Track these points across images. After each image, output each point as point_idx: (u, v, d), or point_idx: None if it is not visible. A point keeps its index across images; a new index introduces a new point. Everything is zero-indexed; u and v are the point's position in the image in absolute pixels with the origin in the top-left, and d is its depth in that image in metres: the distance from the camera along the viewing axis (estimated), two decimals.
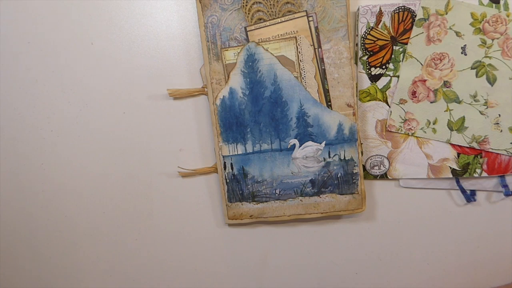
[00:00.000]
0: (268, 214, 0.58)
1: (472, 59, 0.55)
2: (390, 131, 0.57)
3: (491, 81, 0.55)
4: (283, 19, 0.54)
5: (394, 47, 0.55)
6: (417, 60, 0.55)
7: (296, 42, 0.54)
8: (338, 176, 0.57)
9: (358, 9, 0.55)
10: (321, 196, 0.57)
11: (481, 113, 0.56)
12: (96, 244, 0.63)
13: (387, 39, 0.55)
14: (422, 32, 0.55)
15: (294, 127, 0.56)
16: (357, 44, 0.56)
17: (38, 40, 0.58)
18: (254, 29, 0.54)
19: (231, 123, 0.56)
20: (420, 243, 0.62)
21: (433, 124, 0.57)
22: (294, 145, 0.56)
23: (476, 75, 0.55)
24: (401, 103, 0.57)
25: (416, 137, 0.57)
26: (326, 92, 0.55)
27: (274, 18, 0.54)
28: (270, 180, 0.57)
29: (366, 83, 0.57)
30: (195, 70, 0.58)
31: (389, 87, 0.57)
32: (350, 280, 0.63)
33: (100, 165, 0.60)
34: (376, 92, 0.57)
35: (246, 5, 0.54)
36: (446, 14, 0.54)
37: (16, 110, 0.60)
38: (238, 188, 0.58)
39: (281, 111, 0.55)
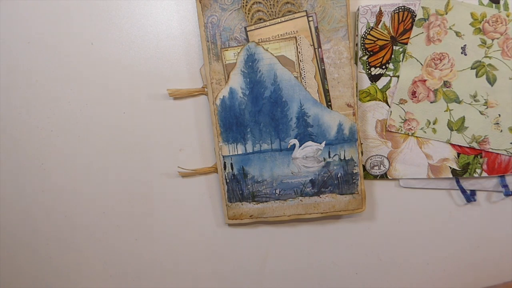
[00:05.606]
0: (268, 214, 0.58)
1: (472, 59, 0.55)
2: (390, 131, 0.57)
3: (491, 81, 0.55)
4: (283, 19, 0.54)
5: (394, 47, 0.55)
6: (417, 60, 0.55)
7: (296, 42, 0.54)
8: (338, 176, 0.57)
9: (358, 9, 0.55)
10: (321, 196, 0.57)
11: (481, 113, 0.56)
12: (96, 244, 0.63)
13: (387, 39, 0.55)
14: (422, 32, 0.55)
15: (294, 127, 0.56)
16: (357, 44, 0.56)
17: (38, 40, 0.58)
18: (254, 29, 0.54)
19: (231, 123, 0.56)
20: (420, 243, 0.62)
21: (433, 124, 0.57)
22: (294, 145, 0.56)
23: (476, 75, 0.55)
24: (401, 103, 0.56)
25: (416, 137, 0.57)
26: (326, 92, 0.55)
27: (274, 18, 0.54)
28: (270, 180, 0.57)
29: (366, 83, 0.57)
30: (195, 70, 0.58)
31: (389, 87, 0.57)
32: (350, 280, 0.63)
33: (100, 165, 0.60)
34: (376, 92, 0.57)
35: (246, 5, 0.54)
36: (446, 14, 0.54)
37: (16, 110, 0.60)
38: (238, 188, 0.58)
39: (281, 111, 0.55)
